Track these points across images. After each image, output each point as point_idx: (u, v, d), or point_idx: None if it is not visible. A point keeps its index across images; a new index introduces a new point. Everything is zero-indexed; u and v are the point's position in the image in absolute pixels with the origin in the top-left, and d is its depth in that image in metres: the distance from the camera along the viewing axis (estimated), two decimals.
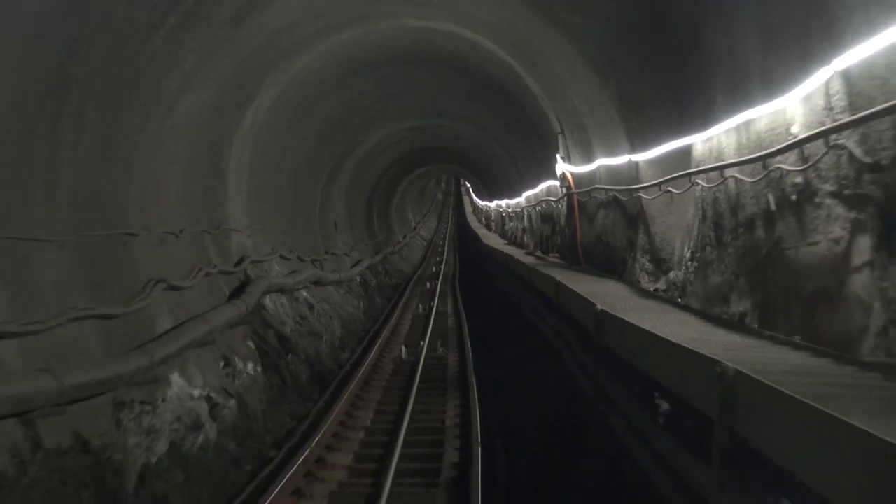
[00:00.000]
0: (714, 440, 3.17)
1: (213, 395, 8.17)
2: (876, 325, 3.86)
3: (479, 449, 7.53)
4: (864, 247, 3.97)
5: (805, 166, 4.45)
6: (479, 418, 8.66)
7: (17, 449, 5.10)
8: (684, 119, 6.97)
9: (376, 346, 14.25)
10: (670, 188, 7.49)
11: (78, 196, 6.92)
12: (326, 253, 19.44)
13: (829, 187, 4.26)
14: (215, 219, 11.40)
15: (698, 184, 6.66)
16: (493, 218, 38.43)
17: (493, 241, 28.61)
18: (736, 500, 3.08)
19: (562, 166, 12.33)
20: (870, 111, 3.58)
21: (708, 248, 6.60)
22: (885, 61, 3.51)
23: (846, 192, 4.07)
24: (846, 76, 3.86)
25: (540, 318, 10.98)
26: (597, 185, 10.34)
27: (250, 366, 9.77)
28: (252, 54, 10.32)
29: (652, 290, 8.07)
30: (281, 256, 14.34)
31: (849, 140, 3.90)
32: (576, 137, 11.29)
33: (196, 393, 7.74)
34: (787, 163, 4.70)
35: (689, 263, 7.16)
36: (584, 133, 10.60)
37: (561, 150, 12.25)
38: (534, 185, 18.04)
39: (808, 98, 4.36)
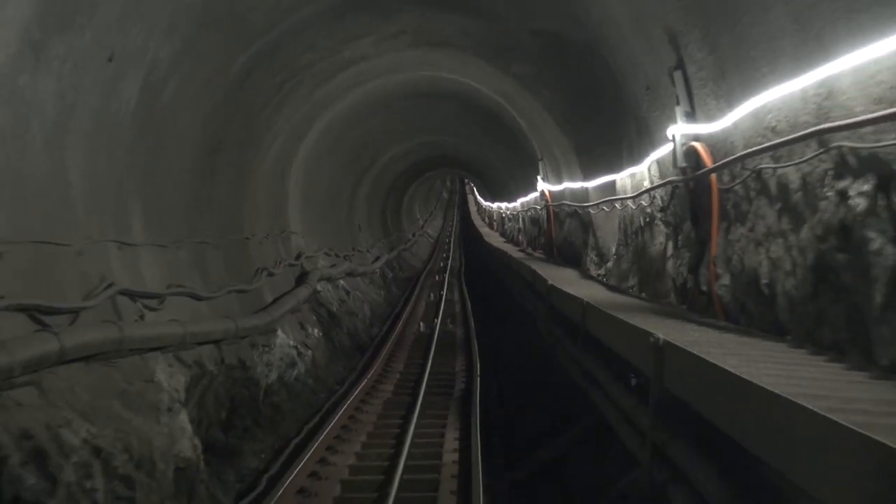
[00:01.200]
0: (579, 334, 7.05)
1: (298, 346, 12.06)
2: (673, 286, 7.73)
3: (479, 379, 11.44)
4: (670, 247, 7.83)
5: (650, 203, 8.32)
6: (479, 364, 12.57)
7: (214, 361, 8.96)
8: (610, 163, 10.81)
9: (399, 323, 18.16)
10: (604, 207, 11.36)
11: (221, 213, 10.82)
12: (353, 250, 23.34)
13: (659, 215, 8.13)
14: (281, 225, 15.29)
15: (616, 206, 10.54)
16: (494, 218, 42.28)
17: (494, 239, 32.41)
18: (589, 360, 6.96)
19: (541, 184, 16.24)
20: (660, 183, 7.44)
21: (622, 247, 10.48)
22: (664, 159, 7.36)
23: (663, 219, 7.94)
24: (657, 162, 7.73)
25: (524, 298, 14.83)
26: (564, 202, 14.24)
27: (315, 331, 13.68)
28: (311, 107, 14.19)
29: (595, 275, 11.95)
30: (325, 253, 18.24)
31: (659, 193, 7.76)
32: (550, 164, 15.19)
33: (290, 343, 11.63)
34: (645, 201, 8.58)
35: (614, 257, 11.03)
36: (556, 162, 14.48)
37: (541, 172, 16.14)
38: (525, 194, 21.90)
39: (649, 168, 8.23)
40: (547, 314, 9.83)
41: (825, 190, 4.16)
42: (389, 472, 7.39)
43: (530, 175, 19.14)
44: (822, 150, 4.13)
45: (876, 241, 3.69)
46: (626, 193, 9.93)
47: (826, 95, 4.12)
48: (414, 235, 43.83)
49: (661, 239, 8.09)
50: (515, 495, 7.08)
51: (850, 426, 2.30)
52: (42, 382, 5.43)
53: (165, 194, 9.07)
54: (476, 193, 60.84)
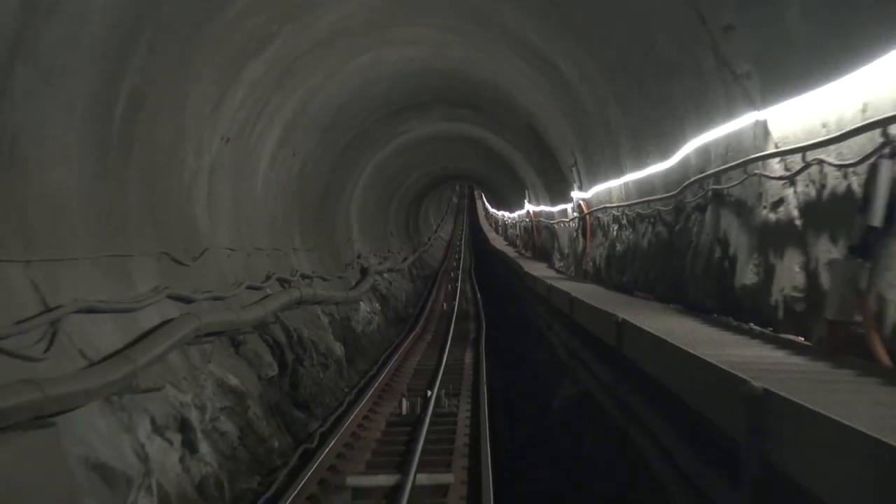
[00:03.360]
0: (540, 295, 14.04)
1: (370, 313, 19.07)
2: (587, 270, 14.73)
3: (485, 333, 18.46)
4: (585, 248, 14.82)
5: (576, 224, 15.33)
6: (484, 326, 19.59)
7: (337, 313, 15.92)
8: (561, 198, 17.78)
9: (428, 305, 25.19)
10: (561, 223, 18.35)
11: (326, 229, 17.87)
12: (388, 252, 30.37)
13: (580, 231, 15.12)
14: (348, 235, 22.35)
15: (565, 223, 17.55)
16: (500, 224, 49.26)
17: (499, 242, 39.35)
18: (537, 305, 13.97)
19: (527, 205, 23.22)
20: (579, 215, 14.43)
21: (568, 249, 17.50)
22: (576, 204, 14.32)
23: (579, 234, 14.92)
24: (573, 204, 14.70)
25: (514, 284, 21.81)
26: (541, 218, 21.23)
27: (377, 306, 20.72)
28: (370, 159, 21.22)
29: (556, 267, 18.95)
30: (374, 255, 25.28)
31: (576, 220, 14.74)
32: (533, 192, 22.19)
33: (367, 310, 18.64)
34: (574, 223, 15.57)
35: (566, 255, 18.04)
36: (536, 191, 21.48)
37: (527, 196, 23.12)
38: (521, 208, 28.89)
39: (573, 206, 15.22)
40: (523, 289, 16.81)
41: (611, 228, 11.18)
42: (437, 366, 14.34)
43: (522, 197, 26.14)
44: (607, 214, 11.15)
45: (618, 245, 10.69)
46: (567, 218, 16.93)
47: (608, 194, 11.13)
48: (429, 239, 50.59)
49: (580, 245, 15.08)
50: (504, 375, 14.09)
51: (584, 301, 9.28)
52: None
53: (305, 220, 16.13)
54: (484, 199, 65.95)
